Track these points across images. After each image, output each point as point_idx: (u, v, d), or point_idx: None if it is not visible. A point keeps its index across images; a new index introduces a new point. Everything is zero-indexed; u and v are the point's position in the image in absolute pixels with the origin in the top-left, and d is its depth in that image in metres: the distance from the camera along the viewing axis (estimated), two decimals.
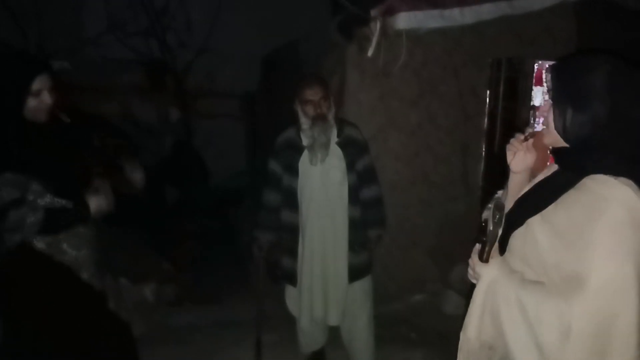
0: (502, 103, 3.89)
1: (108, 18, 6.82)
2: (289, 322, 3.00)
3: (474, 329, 1.34)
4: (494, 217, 1.34)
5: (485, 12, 3.50)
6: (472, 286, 1.39)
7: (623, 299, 1.14)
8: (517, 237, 1.32)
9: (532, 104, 3.52)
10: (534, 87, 3.56)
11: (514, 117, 3.70)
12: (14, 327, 2.10)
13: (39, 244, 2.04)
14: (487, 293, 1.31)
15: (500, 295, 1.28)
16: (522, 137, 1.41)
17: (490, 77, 3.98)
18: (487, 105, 4.03)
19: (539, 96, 4.60)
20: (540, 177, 1.43)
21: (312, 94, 2.65)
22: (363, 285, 2.83)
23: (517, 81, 3.68)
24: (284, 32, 6.19)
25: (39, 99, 1.99)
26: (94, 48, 6.63)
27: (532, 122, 3.37)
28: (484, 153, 4.11)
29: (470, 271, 1.40)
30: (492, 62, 3.96)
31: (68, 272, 2.10)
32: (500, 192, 1.53)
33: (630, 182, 1.18)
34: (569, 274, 1.18)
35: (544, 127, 1.34)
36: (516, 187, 1.44)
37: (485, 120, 4.05)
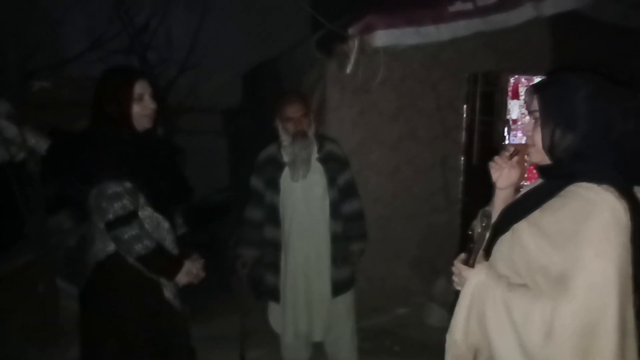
0: (480, 117, 3.97)
1: (89, 37, 6.82)
2: (273, 337, 3.01)
3: (460, 331, 1.36)
4: (481, 222, 1.38)
5: (460, 28, 3.56)
6: (457, 295, 1.41)
7: (606, 298, 1.18)
8: (503, 243, 1.35)
9: (508, 117, 3.60)
10: (510, 101, 3.64)
11: (491, 130, 3.77)
12: (95, 338, 2.07)
13: (131, 257, 2.00)
14: (473, 295, 1.33)
15: (487, 297, 1.30)
16: (506, 154, 1.46)
17: (468, 91, 4.06)
18: (464, 119, 4.11)
19: (516, 109, 4.70)
20: (525, 189, 1.48)
21: (293, 111, 2.68)
22: (346, 299, 2.85)
23: (493, 95, 3.76)
24: (266, 49, 6.26)
25: (142, 104, 2.02)
26: (75, 66, 6.62)
27: (507, 135, 3.45)
28: (463, 165, 4.18)
29: (455, 278, 1.42)
30: (469, 76, 4.04)
31: (154, 288, 2.08)
32: (489, 207, 1.57)
33: (612, 189, 1.24)
34: (556, 276, 1.22)
35: (530, 145, 1.38)
36: (502, 202, 1.48)
37: (464, 133, 4.13)
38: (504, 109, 3.68)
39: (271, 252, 2.82)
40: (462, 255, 1.42)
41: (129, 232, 1.93)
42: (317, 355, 3.04)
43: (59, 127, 5.48)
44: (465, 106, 4.08)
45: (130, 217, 1.93)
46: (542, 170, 1.39)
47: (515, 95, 4.39)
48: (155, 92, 2.10)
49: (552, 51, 4.14)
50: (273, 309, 2.89)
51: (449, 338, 1.39)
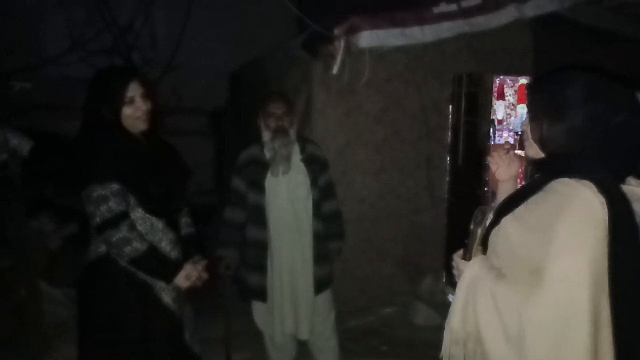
0: (465, 117, 4.00)
1: (70, 36, 6.73)
2: (258, 339, 3.00)
3: (457, 319, 1.43)
4: (475, 218, 1.45)
5: (444, 30, 3.60)
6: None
7: (576, 291, 1.21)
8: (493, 235, 1.43)
9: (493, 117, 3.64)
10: (495, 101, 3.67)
11: (475, 130, 3.81)
12: (86, 342, 2.03)
13: (122, 260, 1.95)
14: (468, 287, 1.41)
15: (478, 288, 1.37)
16: (503, 150, 1.57)
17: (452, 92, 4.09)
18: (449, 120, 4.14)
19: (501, 110, 4.74)
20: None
21: (275, 107, 2.74)
22: (327, 296, 2.90)
23: (477, 96, 3.79)
24: (251, 49, 6.24)
25: (134, 107, 1.98)
26: (57, 67, 6.53)
27: (492, 135, 3.48)
28: (448, 166, 4.21)
29: (454, 271, 1.51)
30: (453, 77, 4.07)
31: (149, 293, 2.02)
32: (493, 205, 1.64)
33: (591, 184, 1.26)
34: (533, 268, 1.27)
35: (525, 138, 1.44)
36: (504, 194, 1.57)
37: (449, 133, 4.16)
38: (488, 109, 3.71)
39: (256, 253, 2.81)
40: (460, 250, 1.51)
41: (116, 235, 1.89)
42: (300, 355, 3.05)
43: (41, 128, 5.40)
44: (450, 107, 4.11)
45: (117, 219, 1.90)
46: (536, 164, 1.45)
47: (501, 96, 4.43)
48: (149, 91, 2.04)
49: (532, 52, 4.20)
50: (258, 309, 2.89)
51: (447, 325, 1.47)
